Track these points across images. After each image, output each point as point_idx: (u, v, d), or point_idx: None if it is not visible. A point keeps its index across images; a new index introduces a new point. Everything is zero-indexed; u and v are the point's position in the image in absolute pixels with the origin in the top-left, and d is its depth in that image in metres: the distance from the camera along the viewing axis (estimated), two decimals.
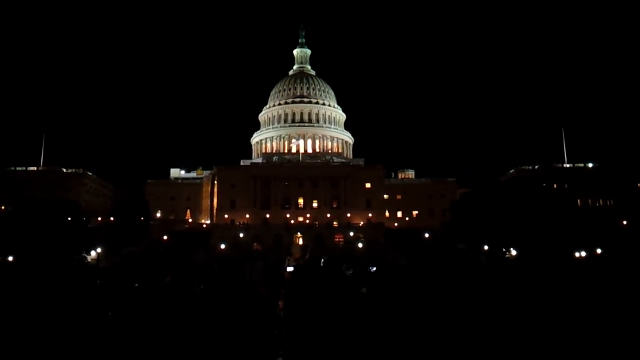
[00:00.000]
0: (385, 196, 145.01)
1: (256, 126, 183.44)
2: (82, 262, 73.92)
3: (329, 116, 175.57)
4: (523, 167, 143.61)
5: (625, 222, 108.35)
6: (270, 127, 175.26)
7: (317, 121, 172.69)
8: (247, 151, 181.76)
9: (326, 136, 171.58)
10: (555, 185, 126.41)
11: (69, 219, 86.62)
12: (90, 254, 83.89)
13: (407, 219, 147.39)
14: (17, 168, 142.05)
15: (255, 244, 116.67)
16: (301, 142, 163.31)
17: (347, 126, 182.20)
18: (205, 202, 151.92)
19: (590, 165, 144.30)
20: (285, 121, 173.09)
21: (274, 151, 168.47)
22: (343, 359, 5.58)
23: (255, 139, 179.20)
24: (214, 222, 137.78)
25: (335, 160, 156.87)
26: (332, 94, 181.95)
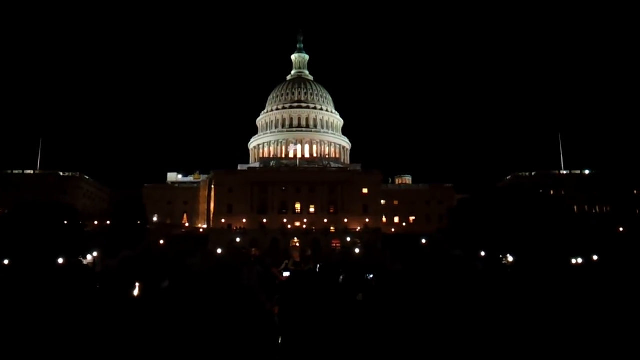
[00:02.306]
0: (383, 201, 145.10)
1: (254, 131, 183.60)
2: (80, 265, 73.69)
3: (326, 121, 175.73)
4: (520, 174, 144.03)
5: (621, 229, 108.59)
6: (268, 132, 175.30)
7: (315, 126, 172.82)
8: (245, 156, 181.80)
9: (324, 141, 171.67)
10: (552, 192, 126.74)
11: (66, 222, 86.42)
12: (86, 258, 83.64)
13: (404, 224, 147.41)
14: (14, 171, 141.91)
15: (253, 249, 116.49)
16: (299, 147, 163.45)
17: (345, 131, 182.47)
18: (203, 207, 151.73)
19: (587, 172, 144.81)
20: (283, 126, 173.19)
21: (271, 156, 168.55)
22: None
23: (252, 143, 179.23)
24: (211, 226, 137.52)
25: (332, 166, 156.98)
26: (330, 99, 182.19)
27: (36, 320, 7.19)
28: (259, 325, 6.52)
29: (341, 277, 8.89)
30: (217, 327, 6.08)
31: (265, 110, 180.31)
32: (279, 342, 6.93)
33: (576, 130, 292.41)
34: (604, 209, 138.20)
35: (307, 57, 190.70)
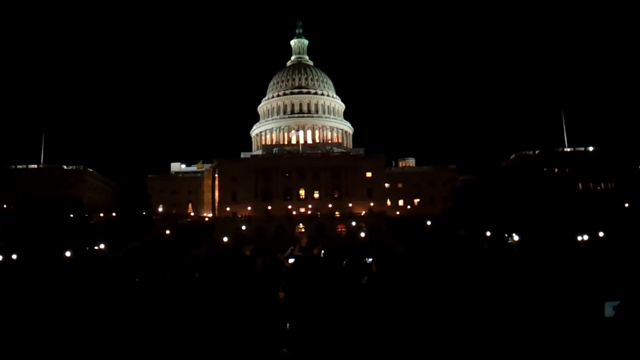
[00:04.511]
0: (387, 185, 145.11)
1: (255, 118, 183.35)
2: (95, 254, 74.10)
3: (328, 106, 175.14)
4: (523, 152, 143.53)
5: (626, 205, 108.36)
6: (270, 118, 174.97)
7: (317, 112, 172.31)
8: (247, 144, 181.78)
9: (326, 126, 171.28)
10: (556, 170, 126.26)
11: (71, 215, 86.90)
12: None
13: (408, 207, 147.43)
14: (18, 166, 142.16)
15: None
16: (301, 133, 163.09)
17: (347, 116, 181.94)
18: (207, 196, 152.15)
19: (590, 148, 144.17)
20: (285, 112, 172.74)
21: (273, 143, 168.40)
22: (347, 351, 5.61)
23: (254, 131, 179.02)
24: (216, 215, 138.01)
25: (335, 151, 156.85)
26: (331, 84, 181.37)
27: (46, 314, 7.24)
28: (267, 312, 6.55)
29: (345, 262, 8.89)
30: (225, 315, 6.12)
31: (266, 97, 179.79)
32: (287, 328, 6.96)
33: (579, 107, 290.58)
34: (609, 185, 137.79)
35: (306, 42, 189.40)
